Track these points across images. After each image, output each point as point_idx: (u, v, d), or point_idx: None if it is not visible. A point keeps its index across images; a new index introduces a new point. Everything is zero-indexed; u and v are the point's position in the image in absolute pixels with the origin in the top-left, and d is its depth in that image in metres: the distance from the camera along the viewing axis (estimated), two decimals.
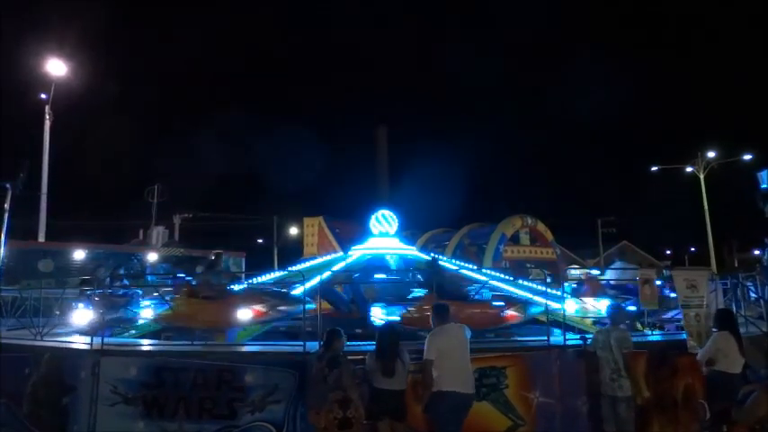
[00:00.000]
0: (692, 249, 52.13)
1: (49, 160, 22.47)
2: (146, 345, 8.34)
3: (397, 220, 13.05)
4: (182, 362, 7.04)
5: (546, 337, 7.63)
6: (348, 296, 11.86)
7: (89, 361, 7.11)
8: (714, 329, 7.58)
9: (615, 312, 7.33)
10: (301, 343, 7.21)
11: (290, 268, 13.45)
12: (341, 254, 14.04)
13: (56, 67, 22.90)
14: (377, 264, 12.22)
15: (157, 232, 31.75)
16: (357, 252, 12.76)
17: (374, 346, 6.40)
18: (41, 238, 22.39)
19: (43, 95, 22.68)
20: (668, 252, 57.75)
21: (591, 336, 7.38)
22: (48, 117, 22.57)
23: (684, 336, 7.97)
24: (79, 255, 22.24)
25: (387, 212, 13.08)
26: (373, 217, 13.07)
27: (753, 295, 10.36)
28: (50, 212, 23.17)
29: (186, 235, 36.60)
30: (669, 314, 9.61)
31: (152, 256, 25.22)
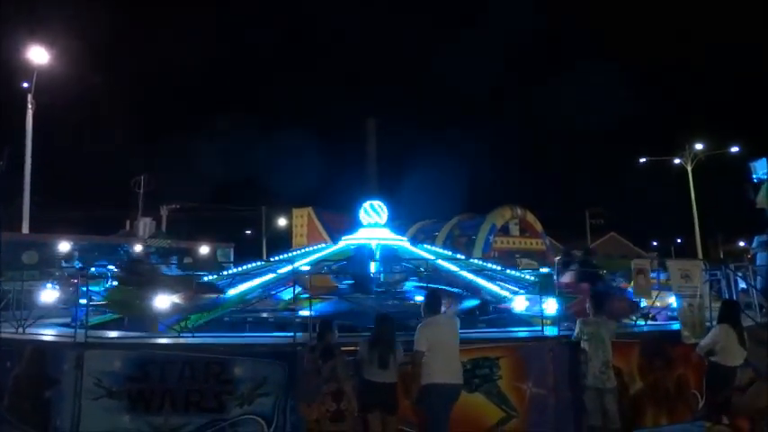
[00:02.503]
0: (679, 241, 52.56)
1: (33, 149, 22.08)
2: (131, 337, 8.14)
3: (386, 211, 12.94)
4: (168, 354, 6.88)
5: (540, 328, 7.56)
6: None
7: (72, 354, 6.92)
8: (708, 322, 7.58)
9: (600, 301, 7.19)
10: (291, 334, 7.07)
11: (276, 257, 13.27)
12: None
13: (38, 54, 22.44)
14: (364, 253, 12.06)
15: (144, 223, 31.44)
16: (344, 242, 12.64)
17: (370, 337, 6.29)
18: (25, 230, 22.03)
19: (25, 84, 22.26)
20: (655, 243, 58.20)
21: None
22: (30, 106, 22.15)
23: (678, 326, 7.94)
24: (64, 246, 21.92)
25: (376, 203, 12.97)
26: (363, 207, 12.95)
27: (742, 285, 10.38)
28: (34, 203, 22.80)
29: (174, 226, 36.30)
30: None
31: (138, 248, 24.94)
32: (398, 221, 20.66)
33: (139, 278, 8.86)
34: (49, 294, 9.90)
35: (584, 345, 6.78)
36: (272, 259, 12.33)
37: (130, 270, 9.26)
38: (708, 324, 7.77)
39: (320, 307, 8.49)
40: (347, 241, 12.67)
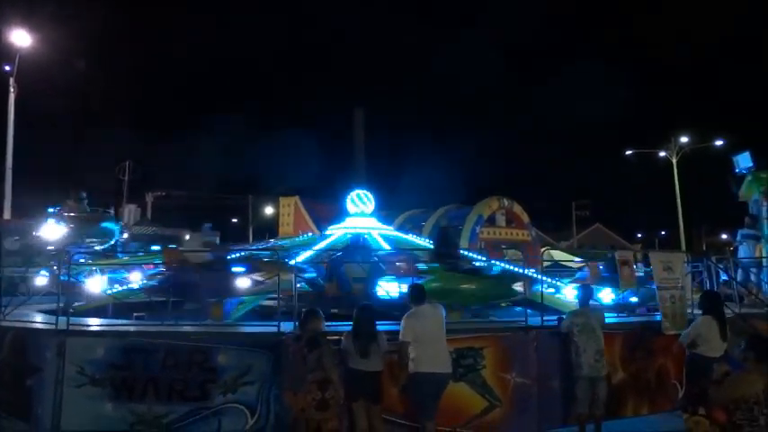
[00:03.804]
0: (663, 233, 53.15)
1: (15, 134, 21.74)
2: (113, 325, 8.08)
3: (373, 200, 12.89)
4: (151, 342, 6.82)
5: (524, 318, 7.61)
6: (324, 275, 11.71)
7: (54, 341, 6.83)
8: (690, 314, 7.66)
9: (587, 293, 7.37)
10: (276, 323, 7.05)
11: (271, 244, 13.15)
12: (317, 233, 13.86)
13: (20, 37, 22.03)
14: (359, 243, 12.01)
15: (129, 210, 31.19)
16: (338, 231, 12.54)
17: (351, 327, 6.31)
18: (7, 215, 21.75)
19: (7, 67, 21.88)
20: (639, 235, 58.86)
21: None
22: (12, 89, 21.78)
23: (659, 317, 8.03)
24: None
25: (363, 192, 12.91)
26: (349, 197, 12.89)
27: (723, 277, 10.52)
28: (17, 188, 22.47)
29: (159, 214, 36.04)
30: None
31: (123, 235, 24.73)
32: (387, 211, 20.62)
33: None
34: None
35: (575, 336, 6.86)
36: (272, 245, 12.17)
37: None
38: (689, 316, 7.87)
39: None
40: (337, 231, 12.59)
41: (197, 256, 9.56)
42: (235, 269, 8.76)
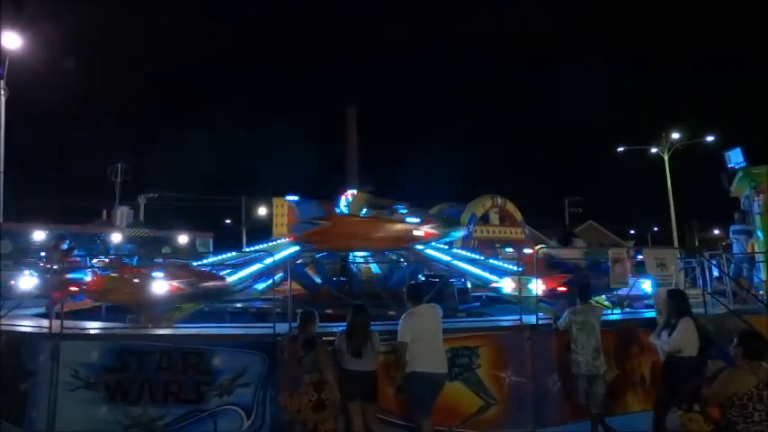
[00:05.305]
0: (656, 229, 53.46)
1: (6, 137, 21.57)
2: (107, 327, 8.05)
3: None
4: (145, 345, 6.81)
5: (519, 317, 7.63)
6: (322, 276, 11.72)
7: (48, 345, 6.82)
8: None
9: (586, 290, 7.37)
10: (271, 325, 7.05)
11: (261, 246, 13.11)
12: None
13: (10, 39, 21.85)
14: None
15: (122, 212, 31.04)
16: None
17: (344, 327, 6.32)
18: None
19: None
20: (632, 232, 59.19)
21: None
22: (2, 92, 21.60)
23: (654, 314, 8.05)
24: (39, 235, 21.58)
25: (356, 192, 12.90)
26: (343, 197, 12.87)
27: (716, 273, 10.57)
28: (8, 191, 22.32)
29: (152, 215, 35.88)
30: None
31: (116, 237, 24.67)
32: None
33: None
34: (27, 282, 9.66)
35: (575, 334, 6.87)
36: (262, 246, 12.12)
37: None
38: None
39: None
40: None
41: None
42: None
